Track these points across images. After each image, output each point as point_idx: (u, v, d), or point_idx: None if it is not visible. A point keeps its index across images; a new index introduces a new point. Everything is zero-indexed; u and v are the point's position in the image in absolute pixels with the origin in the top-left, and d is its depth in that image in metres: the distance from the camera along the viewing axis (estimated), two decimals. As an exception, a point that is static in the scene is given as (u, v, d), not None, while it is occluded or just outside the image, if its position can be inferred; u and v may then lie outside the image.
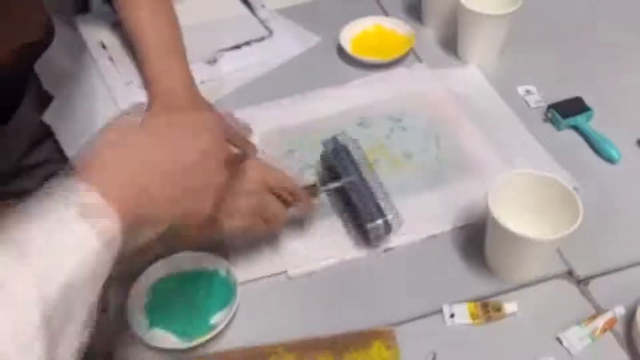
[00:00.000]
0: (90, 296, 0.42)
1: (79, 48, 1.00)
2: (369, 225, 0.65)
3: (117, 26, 0.98)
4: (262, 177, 0.61)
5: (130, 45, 0.90)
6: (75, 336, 0.41)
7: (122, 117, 0.53)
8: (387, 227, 0.65)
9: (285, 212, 0.64)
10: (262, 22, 0.99)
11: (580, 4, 0.99)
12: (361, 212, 0.66)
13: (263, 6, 1.02)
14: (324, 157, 0.75)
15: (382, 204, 0.66)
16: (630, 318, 0.60)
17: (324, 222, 0.71)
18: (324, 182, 0.70)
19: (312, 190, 0.67)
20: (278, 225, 0.64)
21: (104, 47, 0.96)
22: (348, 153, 0.70)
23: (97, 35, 0.98)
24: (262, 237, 0.67)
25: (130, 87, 0.89)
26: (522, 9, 0.84)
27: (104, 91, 0.91)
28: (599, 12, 0.98)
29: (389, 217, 0.65)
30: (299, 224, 0.70)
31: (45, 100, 0.96)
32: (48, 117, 0.93)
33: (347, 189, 0.68)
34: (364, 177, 0.68)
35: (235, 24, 1.00)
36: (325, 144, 0.73)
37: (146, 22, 0.86)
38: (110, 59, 0.94)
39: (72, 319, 0.40)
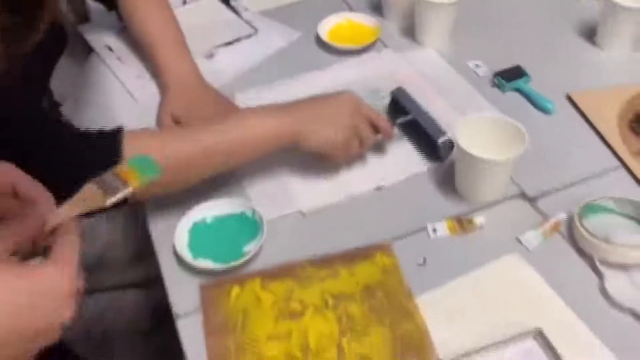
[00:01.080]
0: None
1: (84, 53, 1.13)
2: (440, 141, 0.84)
3: (121, 32, 1.11)
4: (360, 106, 0.82)
5: (138, 44, 1.04)
6: None
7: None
8: (451, 143, 0.84)
9: (374, 136, 0.84)
10: (247, 22, 1.15)
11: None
12: (431, 134, 0.85)
13: (246, 9, 1.18)
14: (391, 102, 0.94)
15: (443, 129, 0.86)
16: (570, 221, 0.78)
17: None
18: (395, 118, 0.89)
19: (391, 122, 0.86)
20: (367, 146, 0.84)
21: (110, 49, 1.09)
22: (410, 99, 0.91)
23: (103, 40, 1.11)
24: (354, 156, 0.85)
25: (141, 80, 1.03)
26: (467, -2, 1.03)
27: (116, 85, 1.04)
28: None
29: (449, 134, 0.84)
30: (377, 148, 0.88)
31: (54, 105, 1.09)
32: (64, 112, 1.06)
33: (417, 120, 0.88)
34: (424, 112, 0.89)
35: (224, 25, 1.15)
36: (392, 92, 0.94)
37: (153, 22, 1.01)
38: (119, 59, 1.07)
39: None
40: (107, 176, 0.61)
